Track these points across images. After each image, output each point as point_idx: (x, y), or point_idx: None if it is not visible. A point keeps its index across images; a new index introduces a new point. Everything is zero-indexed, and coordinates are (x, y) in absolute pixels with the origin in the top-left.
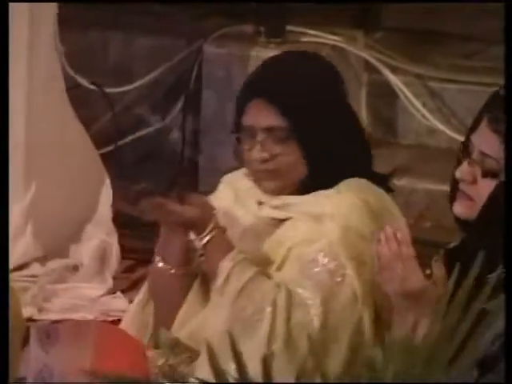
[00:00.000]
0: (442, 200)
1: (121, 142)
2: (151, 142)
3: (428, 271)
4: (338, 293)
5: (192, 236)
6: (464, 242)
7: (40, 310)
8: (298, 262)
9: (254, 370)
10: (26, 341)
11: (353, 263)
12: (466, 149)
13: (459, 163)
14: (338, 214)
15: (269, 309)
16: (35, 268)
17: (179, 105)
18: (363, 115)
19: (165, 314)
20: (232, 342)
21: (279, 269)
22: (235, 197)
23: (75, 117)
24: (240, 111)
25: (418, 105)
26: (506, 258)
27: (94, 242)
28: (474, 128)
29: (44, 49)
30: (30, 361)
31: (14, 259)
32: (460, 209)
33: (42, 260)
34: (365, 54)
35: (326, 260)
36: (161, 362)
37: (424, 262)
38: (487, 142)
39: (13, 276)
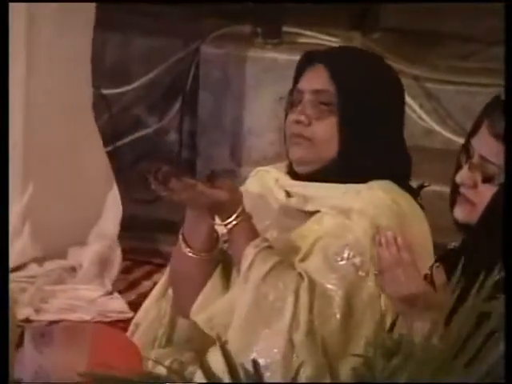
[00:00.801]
0: (439, 201)
1: (118, 143)
2: (148, 143)
3: (428, 274)
4: (361, 288)
5: (218, 221)
6: (464, 244)
7: (37, 310)
8: (323, 253)
9: (273, 359)
10: (20, 342)
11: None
12: (466, 153)
13: (459, 167)
14: (368, 211)
15: (291, 298)
16: (33, 269)
17: (176, 106)
18: None
19: (184, 301)
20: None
21: (303, 260)
22: (262, 189)
23: (76, 117)
24: (297, 75)
25: (415, 106)
26: (505, 258)
27: (96, 247)
28: (474, 132)
29: (43, 48)
30: (24, 362)
31: (11, 260)
32: (461, 213)
33: (40, 261)
34: None
35: (351, 254)
36: (169, 360)
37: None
38: (487, 146)
39: (10, 277)
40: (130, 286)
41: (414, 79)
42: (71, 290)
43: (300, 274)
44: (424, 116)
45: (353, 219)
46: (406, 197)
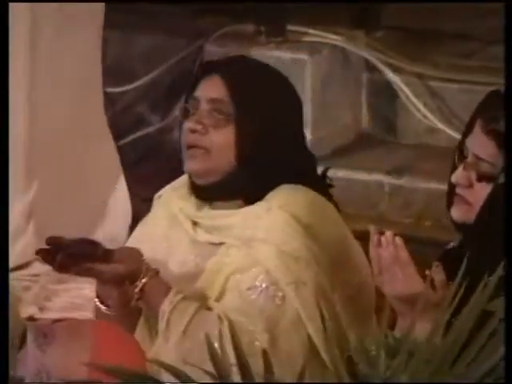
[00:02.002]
0: (442, 199)
1: (121, 142)
2: (151, 141)
3: (427, 272)
4: (281, 316)
5: (127, 284)
6: (462, 244)
7: (41, 308)
8: (237, 290)
9: None
10: (23, 341)
11: (292, 286)
12: (460, 153)
13: (455, 167)
14: (271, 238)
15: (216, 344)
16: (36, 267)
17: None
18: (363, 114)
19: None
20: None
21: (218, 300)
22: (170, 218)
23: (82, 115)
24: (195, 84)
25: (419, 104)
26: (505, 259)
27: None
28: (468, 131)
29: (45, 46)
30: (27, 361)
31: (15, 258)
32: (457, 213)
33: None
34: (365, 54)
35: (264, 285)
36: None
37: (423, 260)
38: (481, 145)
39: (14, 275)
40: None
41: (418, 77)
42: (75, 289)
43: (219, 317)
44: (428, 114)
45: (258, 249)
46: (311, 201)
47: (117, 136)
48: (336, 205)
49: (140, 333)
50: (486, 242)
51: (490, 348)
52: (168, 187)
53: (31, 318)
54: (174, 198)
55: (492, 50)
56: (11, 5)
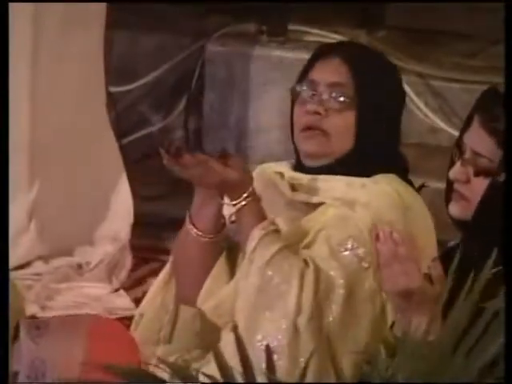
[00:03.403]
0: (442, 198)
1: (124, 141)
2: (153, 140)
3: (426, 269)
4: (363, 278)
5: (226, 200)
6: (463, 242)
7: (43, 307)
8: (328, 243)
9: (279, 342)
10: (16, 335)
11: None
12: (458, 149)
13: (453, 164)
14: (372, 204)
15: (296, 281)
16: (39, 266)
17: (182, 104)
18: None
19: (189, 289)
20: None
21: (308, 247)
22: (266, 185)
23: (84, 115)
24: (309, 66)
25: (420, 104)
26: (505, 258)
27: (107, 248)
28: (465, 128)
29: (48, 46)
30: (21, 354)
31: (17, 257)
32: (455, 209)
33: (46, 258)
34: None
35: (355, 245)
36: (173, 357)
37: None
38: (479, 140)
39: (16, 274)
40: (136, 283)
41: (419, 76)
42: (77, 288)
43: (305, 260)
44: (429, 113)
45: (357, 211)
46: (411, 191)
47: (119, 135)
48: None
49: (219, 267)
50: (484, 238)
51: (487, 339)
52: (269, 164)
53: (33, 317)
54: (273, 168)
55: (495, 50)
56: (14, 4)
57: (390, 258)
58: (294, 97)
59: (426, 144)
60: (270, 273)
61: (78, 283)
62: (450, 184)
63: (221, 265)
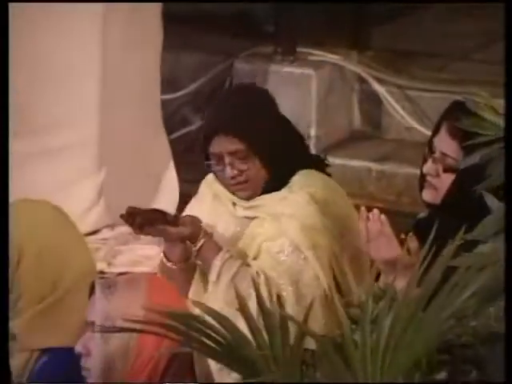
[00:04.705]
0: (417, 181)
1: (172, 136)
2: (193, 137)
3: (403, 239)
4: (301, 273)
5: (188, 243)
6: (430, 216)
7: (109, 264)
8: (269, 253)
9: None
10: (92, 292)
11: (311, 251)
12: (430, 149)
13: (425, 160)
14: (294, 214)
15: (253, 292)
16: (106, 232)
17: None
18: (355, 116)
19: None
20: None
21: (255, 258)
22: (214, 197)
23: (143, 115)
24: (207, 143)
25: (399, 108)
26: (506, 258)
27: None
28: (435, 133)
29: (113, 64)
30: (96, 308)
31: (88, 226)
32: (428, 196)
33: (112, 226)
34: (357, 69)
35: (290, 249)
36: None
37: (402, 228)
38: (446, 144)
39: (88, 239)
40: None
41: (398, 87)
42: (134, 249)
43: (257, 272)
44: (405, 116)
45: (285, 222)
46: (323, 184)
47: (169, 132)
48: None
49: (195, 284)
50: (450, 218)
51: (453, 295)
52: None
53: (101, 272)
54: (215, 183)
55: (458, 65)
56: (85, 29)
57: (376, 234)
58: (208, 167)
59: (402, 139)
60: (232, 293)
61: (135, 245)
62: (423, 176)
63: (196, 282)
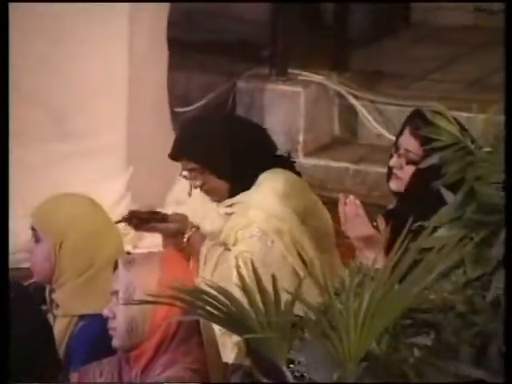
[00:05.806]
0: (385, 179)
1: None
2: None
3: (375, 223)
4: (270, 253)
5: (179, 236)
6: (397, 206)
7: (134, 246)
8: (244, 238)
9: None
10: (115, 266)
11: (275, 235)
12: (395, 148)
13: (391, 156)
14: (260, 205)
15: (235, 272)
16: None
17: None
18: (336, 126)
19: None
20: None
21: (235, 244)
22: (203, 196)
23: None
24: (175, 161)
25: (371, 119)
26: (506, 258)
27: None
28: (399, 134)
29: (145, 52)
30: (119, 279)
31: (118, 215)
32: (393, 185)
33: None
34: (337, 87)
35: (259, 235)
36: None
37: (373, 217)
38: (409, 142)
39: (118, 226)
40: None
41: (370, 102)
42: (156, 235)
43: (236, 256)
44: (376, 125)
45: (253, 213)
46: (285, 180)
47: None
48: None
49: (192, 264)
50: (413, 205)
51: (423, 274)
52: None
53: (128, 253)
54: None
55: (419, 84)
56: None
57: (352, 216)
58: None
59: (373, 144)
60: (218, 272)
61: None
62: (390, 169)
63: (192, 262)
